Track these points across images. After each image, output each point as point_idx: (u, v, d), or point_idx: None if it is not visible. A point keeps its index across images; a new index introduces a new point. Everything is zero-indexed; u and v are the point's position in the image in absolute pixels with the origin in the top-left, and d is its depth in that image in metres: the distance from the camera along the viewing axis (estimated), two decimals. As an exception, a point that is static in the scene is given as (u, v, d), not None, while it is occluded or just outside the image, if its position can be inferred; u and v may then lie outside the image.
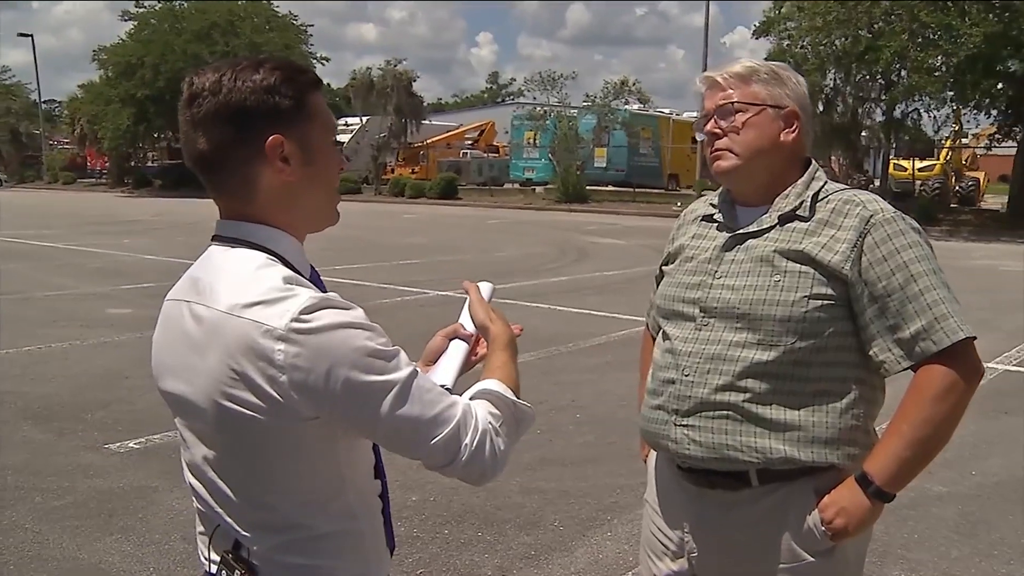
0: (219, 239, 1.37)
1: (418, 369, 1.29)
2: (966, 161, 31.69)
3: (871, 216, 1.76)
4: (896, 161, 29.66)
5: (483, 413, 1.33)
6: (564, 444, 5.29)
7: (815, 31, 22.13)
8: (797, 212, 1.81)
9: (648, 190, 33.54)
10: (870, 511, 1.73)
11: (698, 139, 1.91)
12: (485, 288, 1.67)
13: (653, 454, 2.07)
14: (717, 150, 1.85)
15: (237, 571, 1.31)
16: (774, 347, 1.75)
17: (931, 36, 20.92)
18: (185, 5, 40.87)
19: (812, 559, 1.78)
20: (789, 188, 1.84)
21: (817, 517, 1.76)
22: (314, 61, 42.54)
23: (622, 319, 9.38)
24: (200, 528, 1.43)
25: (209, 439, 1.32)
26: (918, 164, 29.21)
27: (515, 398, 1.39)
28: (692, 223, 2.02)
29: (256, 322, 1.21)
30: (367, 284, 11.61)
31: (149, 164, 48.45)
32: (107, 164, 51.05)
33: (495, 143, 46.23)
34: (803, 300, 1.74)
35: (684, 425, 1.82)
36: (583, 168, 31.80)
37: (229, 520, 1.34)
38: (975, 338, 1.74)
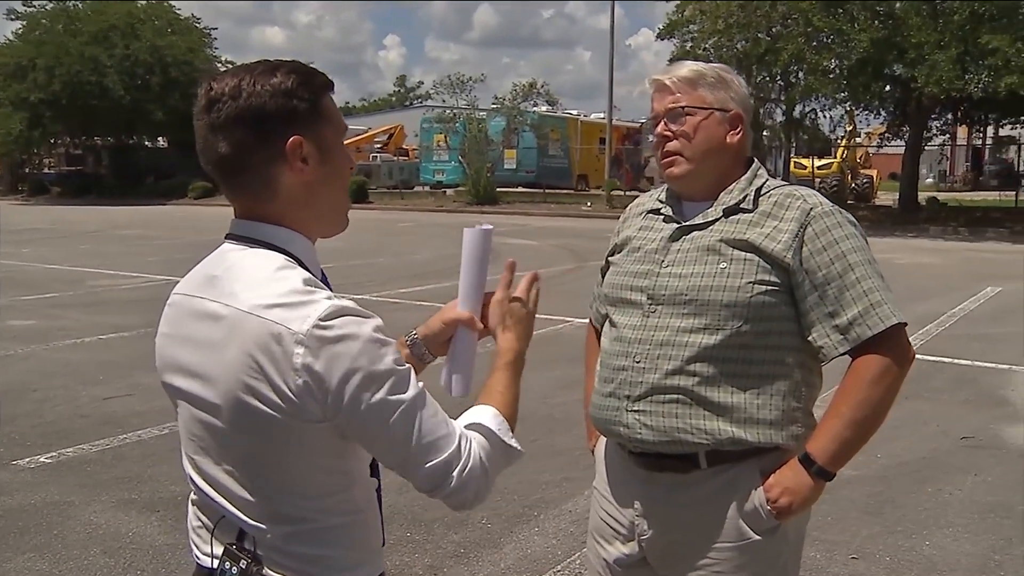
0: (234, 238, 1.40)
1: (424, 391, 1.33)
2: (860, 159, 33.03)
3: (811, 209, 1.87)
4: (796, 160, 30.74)
5: (476, 448, 1.35)
6: (488, 443, 5.33)
7: (717, 34, 22.72)
8: (741, 205, 1.91)
9: (557, 191, 33.83)
10: (813, 489, 1.84)
11: (648, 139, 1.99)
12: (475, 236, 1.62)
13: (601, 442, 2.13)
14: (669, 154, 1.93)
15: (243, 561, 1.34)
16: (720, 331, 1.83)
17: (824, 40, 21.73)
18: (80, 6, 39.39)
19: (757, 537, 1.87)
20: (733, 184, 1.94)
21: (762, 497, 1.86)
22: (219, 65, 41.53)
23: (539, 318, 9.34)
24: (196, 522, 1.46)
25: (220, 434, 1.35)
26: (817, 163, 30.31)
27: (508, 440, 1.41)
28: (638, 216, 2.10)
29: (278, 323, 1.26)
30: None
31: (46, 171, 46.49)
32: (-1, 171, 48.90)
33: (405, 146, 45.91)
34: (748, 286, 1.83)
35: (636, 410, 1.89)
36: (493, 170, 31.88)
37: (235, 512, 1.36)
38: (906, 324, 1.87)
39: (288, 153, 1.34)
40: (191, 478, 1.44)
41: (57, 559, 3.85)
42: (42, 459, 5.06)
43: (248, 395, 1.28)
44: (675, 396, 1.86)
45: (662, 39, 25.39)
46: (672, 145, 1.92)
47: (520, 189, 34.36)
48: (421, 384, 1.33)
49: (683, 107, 1.89)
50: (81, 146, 43.44)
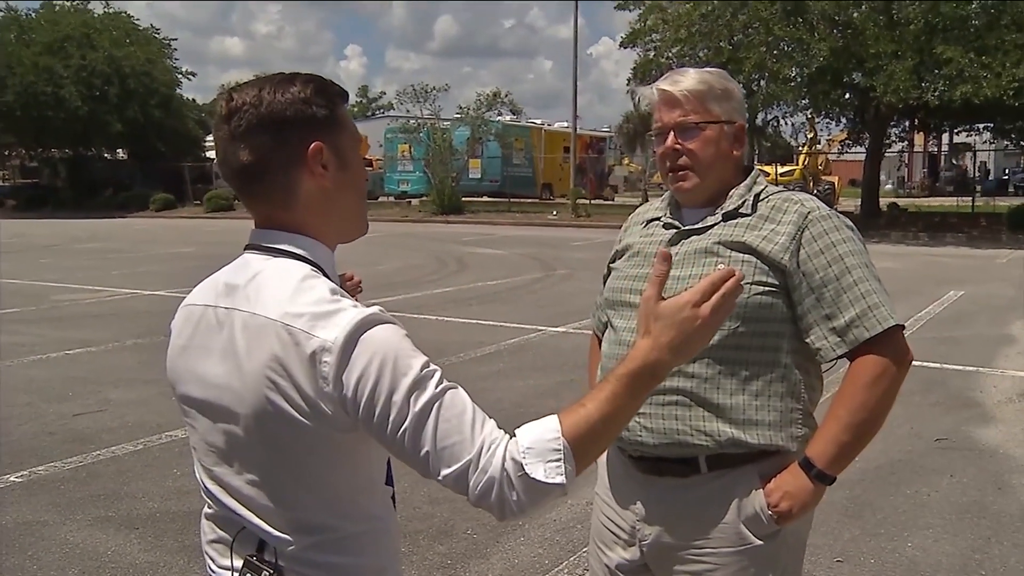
0: (255, 248, 1.40)
1: (453, 393, 1.26)
2: (822, 166, 33.55)
3: (809, 212, 1.90)
4: (759, 167, 31.04)
5: (499, 459, 1.22)
6: (467, 453, 5.31)
7: (679, 42, 22.95)
8: (740, 210, 1.94)
9: (522, 200, 33.94)
10: (813, 493, 1.85)
11: (655, 150, 2.00)
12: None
13: None
14: (680, 169, 1.95)
15: (265, 572, 1.33)
16: (719, 331, 1.83)
17: (785, 48, 22.05)
18: (33, 15, 38.71)
19: (759, 542, 1.88)
20: (732, 191, 1.96)
21: (763, 501, 1.87)
22: (179, 76, 41.06)
23: (511, 327, 9.48)
24: (212, 536, 1.44)
25: (243, 444, 1.34)
26: (780, 169, 30.71)
27: (533, 461, 1.22)
28: (639, 224, 2.13)
29: (307, 333, 1.26)
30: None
31: (0, 184, 45.67)
32: (-51, 184, 47.90)
33: (368, 156, 45.78)
34: (745, 287, 1.84)
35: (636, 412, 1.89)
36: (458, 180, 31.86)
37: (258, 522, 1.35)
38: (903, 326, 1.89)
39: (309, 159, 1.35)
40: (208, 491, 1.42)
41: (33, 580, 3.77)
42: (12, 478, 4.94)
43: (275, 404, 1.27)
44: (674, 397, 1.87)
45: (625, 47, 25.66)
46: (683, 160, 1.94)
47: (485, 199, 34.42)
48: (452, 388, 1.28)
49: (696, 123, 1.92)
50: (36, 158, 42.66)
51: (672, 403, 1.88)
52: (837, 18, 21.28)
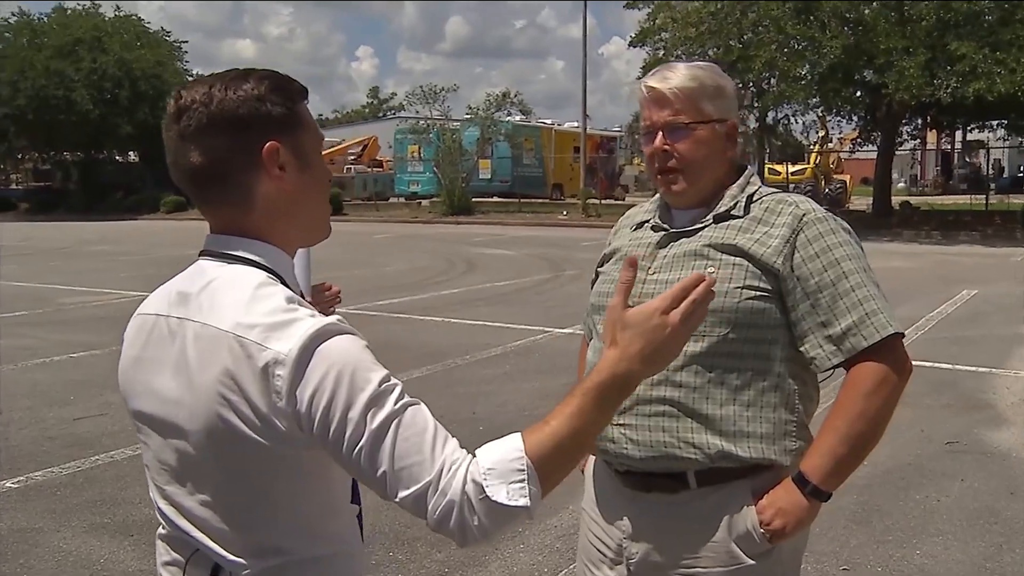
0: (210, 254, 1.32)
1: (414, 410, 1.18)
2: (833, 165, 33.36)
3: (804, 215, 1.81)
4: (770, 166, 31.00)
5: (459, 481, 1.14)
6: (469, 457, 5.25)
7: (689, 41, 22.84)
8: (732, 212, 1.85)
9: (533, 200, 33.88)
10: (808, 510, 1.76)
11: (643, 149, 1.91)
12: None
13: (591, 461, 2.05)
14: (669, 171, 1.85)
15: None
16: (706, 337, 1.75)
17: (796, 46, 21.91)
18: (45, 19, 38.94)
19: (751, 561, 1.78)
20: (725, 191, 1.87)
21: (755, 518, 1.77)
22: (190, 79, 40.96)
23: (517, 328, 9.41)
24: (166, 557, 1.36)
25: (196, 462, 1.26)
26: (791, 168, 30.59)
27: (494, 483, 1.14)
28: (629, 228, 2.04)
29: (260, 344, 1.18)
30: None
31: (13, 187, 45.91)
32: (-38, 187, 48.22)
33: (379, 157, 45.81)
34: (736, 291, 1.76)
35: (621, 424, 1.81)
36: (468, 180, 31.85)
37: (212, 545, 1.27)
38: (903, 334, 1.80)
39: (265, 160, 1.27)
40: (161, 511, 1.35)
41: (25, 589, 3.72)
42: (8, 484, 4.89)
43: (228, 420, 1.20)
44: (661, 408, 1.78)
45: (634, 47, 25.57)
46: (673, 162, 1.84)
47: (495, 199, 34.37)
48: (414, 405, 1.20)
49: (686, 123, 1.82)
50: (48, 161, 42.94)
51: (659, 414, 1.78)
52: (848, 15, 21.11)
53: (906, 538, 4.13)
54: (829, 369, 1.80)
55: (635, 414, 1.79)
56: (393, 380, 1.20)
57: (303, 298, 1.32)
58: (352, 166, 42.86)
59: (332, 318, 1.23)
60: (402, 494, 1.16)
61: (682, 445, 1.77)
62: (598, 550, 1.96)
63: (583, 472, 2.11)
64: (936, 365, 7.30)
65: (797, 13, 21.16)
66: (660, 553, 1.85)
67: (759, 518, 1.77)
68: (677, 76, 1.84)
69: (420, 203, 34.32)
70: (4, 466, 5.18)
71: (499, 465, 1.16)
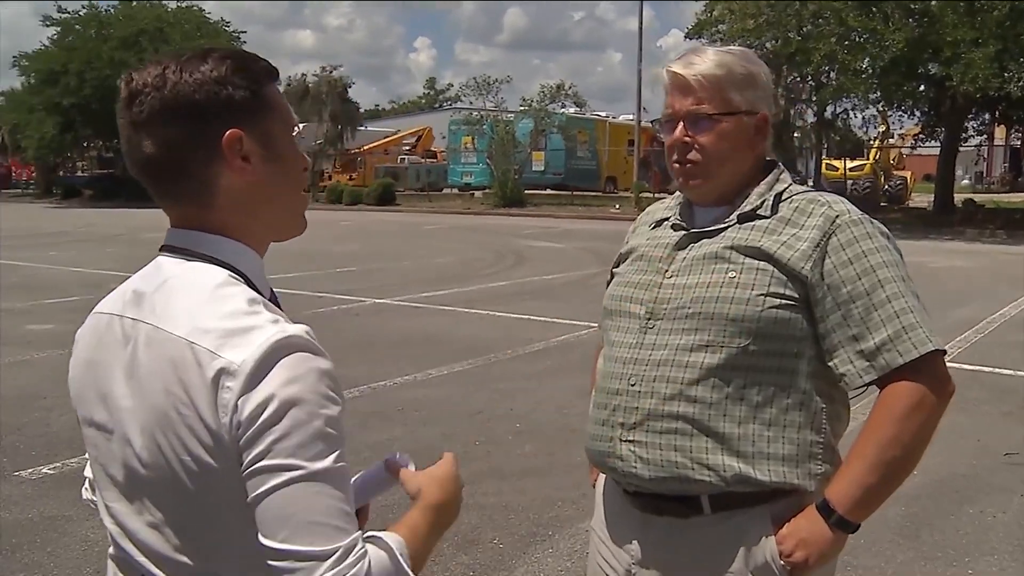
0: (170, 250, 1.20)
1: (346, 471, 1.09)
2: (893, 161, 32.55)
3: (837, 216, 1.64)
4: (828, 161, 30.32)
5: (368, 564, 1.06)
6: (503, 456, 5.14)
7: (746, 33, 22.36)
8: (758, 211, 1.69)
9: (586, 193, 33.66)
10: (832, 543, 1.60)
11: (662, 138, 1.76)
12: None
13: (602, 478, 1.91)
14: (688, 163, 1.71)
15: None
16: (724, 348, 1.60)
17: (857, 39, 21.33)
18: (111, 11, 39.88)
19: None
20: (751, 189, 1.72)
21: (775, 549, 1.62)
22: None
23: (562, 323, 9.28)
24: None
25: (144, 481, 1.15)
26: (849, 164, 29.91)
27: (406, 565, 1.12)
28: (647, 226, 1.89)
29: (212, 352, 1.07)
30: (302, 293, 11.29)
31: (78, 174, 47.07)
32: (33, 174, 49.56)
33: (433, 148, 45.95)
34: (759, 299, 1.60)
35: (630, 440, 1.67)
36: (521, 172, 31.78)
37: (157, 573, 1.16)
38: (945, 351, 1.63)
39: (225, 150, 1.15)
40: (109, 531, 1.24)
41: (48, 579, 3.70)
42: (44, 470, 4.92)
43: (179, 435, 1.08)
44: (674, 424, 1.63)
45: (691, 39, 25.17)
46: (693, 155, 1.69)
47: (548, 191, 34.24)
48: (344, 466, 1.08)
49: (709, 115, 1.67)
50: (112, 149, 43.89)
51: (671, 431, 1.63)
52: (914, 7, 20.48)
53: (957, 556, 3.91)
54: (860, 387, 1.63)
55: (646, 430, 1.65)
56: (340, 428, 1.08)
57: (273, 302, 1.21)
58: (406, 156, 43.08)
59: (298, 328, 1.11)
60: (283, 547, 1.03)
61: (695, 466, 1.62)
62: (606, 573, 1.83)
63: (594, 486, 1.97)
64: (997, 370, 6.97)
65: (861, 5, 20.58)
66: None
67: (779, 549, 1.62)
68: (704, 62, 1.69)
69: (472, 194, 34.35)
70: (42, 452, 5.22)
71: (399, 549, 1.12)
